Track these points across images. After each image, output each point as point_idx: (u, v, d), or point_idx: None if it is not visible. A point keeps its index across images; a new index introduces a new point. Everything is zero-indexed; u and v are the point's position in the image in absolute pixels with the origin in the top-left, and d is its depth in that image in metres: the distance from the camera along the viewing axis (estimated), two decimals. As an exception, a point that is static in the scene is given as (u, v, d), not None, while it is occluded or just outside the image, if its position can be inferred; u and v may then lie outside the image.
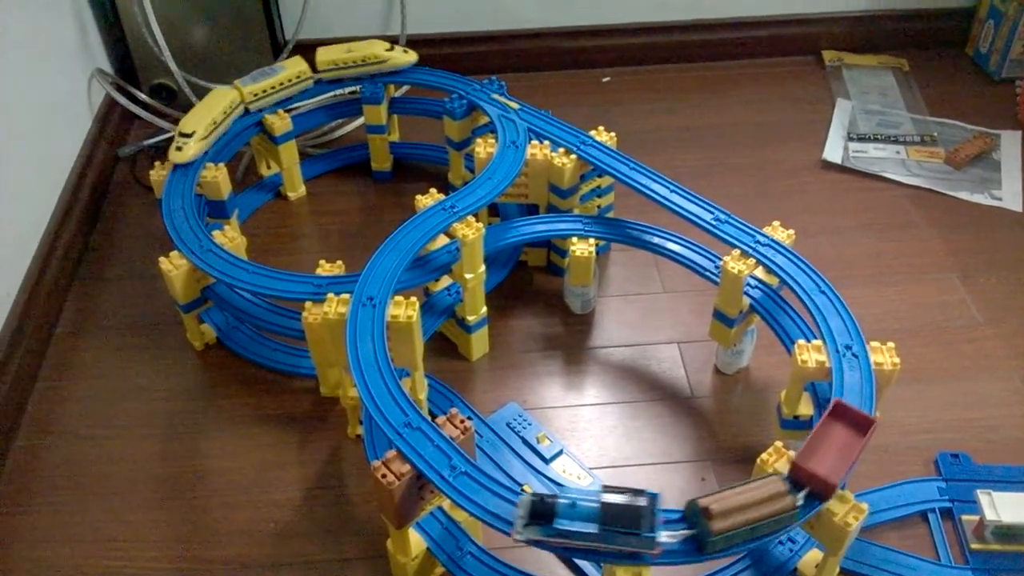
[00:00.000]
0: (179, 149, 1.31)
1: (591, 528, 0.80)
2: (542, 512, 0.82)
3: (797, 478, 0.84)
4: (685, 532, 0.82)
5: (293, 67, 1.46)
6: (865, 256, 1.44)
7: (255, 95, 1.43)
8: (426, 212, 1.18)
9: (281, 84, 1.45)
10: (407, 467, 0.88)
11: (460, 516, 0.99)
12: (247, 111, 1.44)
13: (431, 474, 0.87)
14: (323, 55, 1.48)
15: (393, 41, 1.76)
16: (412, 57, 1.49)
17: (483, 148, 1.31)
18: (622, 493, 0.82)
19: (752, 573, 0.96)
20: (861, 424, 0.87)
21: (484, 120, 1.46)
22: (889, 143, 1.67)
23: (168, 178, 1.31)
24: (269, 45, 1.70)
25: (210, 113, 1.37)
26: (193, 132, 1.32)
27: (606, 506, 0.81)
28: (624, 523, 0.80)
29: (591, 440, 1.19)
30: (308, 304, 1.10)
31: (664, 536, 0.80)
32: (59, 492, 1.14)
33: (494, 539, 0.96)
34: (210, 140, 1.35)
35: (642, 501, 0.81)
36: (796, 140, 1.69)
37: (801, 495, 0.83)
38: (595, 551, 0.80)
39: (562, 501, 0.82)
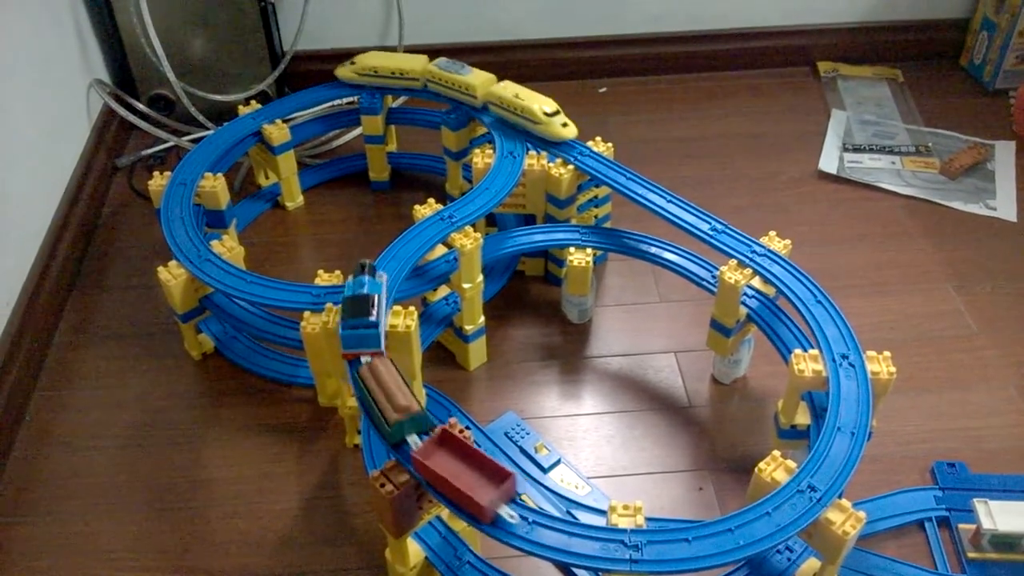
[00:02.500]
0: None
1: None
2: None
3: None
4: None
5: (475, 80, 1.42)
6: (861, 266, 1.45)
7: (434, 77, 1.46)
8: (424, 222, 1.18)
9: (455, 87, 1.44)
10: (405, 476, 0.88)
11: (458, 525, 0.99)
12: (431, 80, 1.47)
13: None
14: (497, 88, 1.40)
15: (391, 50, 1.78)
16: (570, 132, 1.33)
17: (481, 158, 1.32)
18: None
19: (750, 582, 0.97)
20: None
21: (482, 130, 1.47)
22: (884, 153, 1.68)
23: (166, 188, 1.31)
24: (267, 55, 1.71)
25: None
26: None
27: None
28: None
29: (589, 449, 1.19)
30: (306, 314, 1.11)
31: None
32: (57, 502, 1.14)
33: (492, 548, 0.96)
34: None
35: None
36: (792, 151, 1.70)
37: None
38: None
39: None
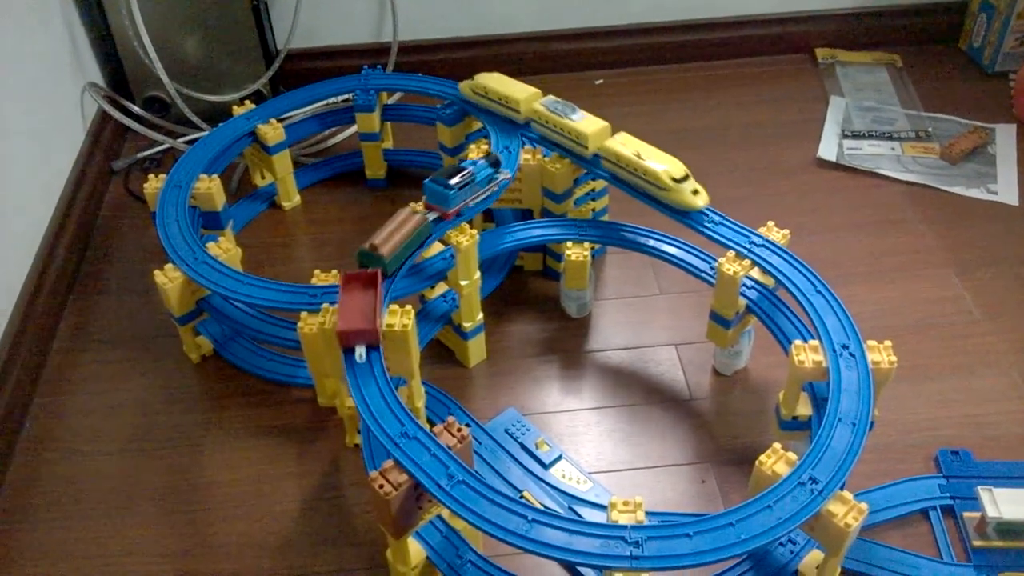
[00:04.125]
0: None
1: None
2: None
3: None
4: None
5: (585, 128, 1.25)
6: (862, 254, 1.44)
7: (539, 119, 1.31)
8: (420, 220, 1.17)
9: (561, 132, 1.28)
10: (404, 477, 0.88)
11: (459, 525, 0.99)
12: (535, 121, 1.33)
13: (428, 484, 0.87)
14: (614, 143, 1.23)
15: (385, 49, 1.77)
16: (702, 202, 1.17)
17: (476, 154, 1.31)
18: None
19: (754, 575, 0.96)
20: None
21: (477, 125, 1.46)
22: (884, 139, 1.67)
23: (161, 190, 1.30)
24: (261, 55, 1.70)
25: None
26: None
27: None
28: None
29: (590, 444, 1.18)
30: (304, 314, 1.10)
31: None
32: (58, 508, 1.13)
33: (494, 547, 0.95)
34: None
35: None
36: (790, 139, 1.69)
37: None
38: None
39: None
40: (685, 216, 1.18)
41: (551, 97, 1.32)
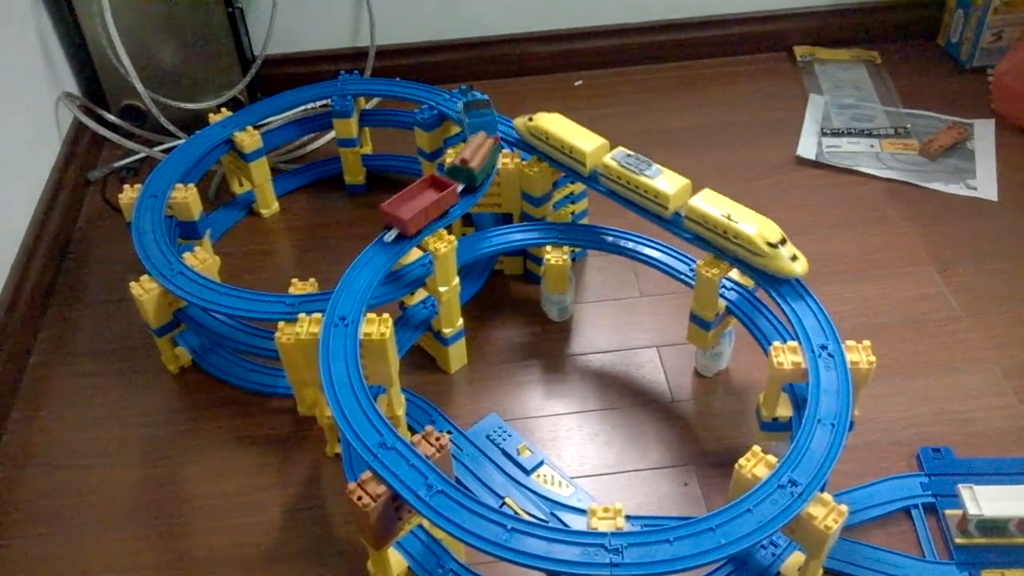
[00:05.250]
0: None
1: None
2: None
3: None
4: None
5: (665, 187, 1.15)
6: (842, 252, 1.44)
7: (610, 174, 1.20)
8: (397, 226, 1.17)
9: (636, 189, 1.18)
10: (383, 488, 0.87)
11: (440, 534, 0.98)
12: (604, 175, 1.22)
13: (407, 494, 0.87)
14: (698, 204, 1.12)
15: (362, 53, 1.76)
16: (801, 268, 1.07)
17: (454, 158, 1.30)
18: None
19: (736, 578, 0.96)
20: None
21: (455, 130, 1.45)
22: (863, 137, 1.67)
23: (138, 201, 1.29)
24: (237, 61, 1.69)
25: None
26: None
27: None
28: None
29: (573, 449, 1.18)
30: (281, 324, 1.09)
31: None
32: (37, 524, 1.12)
33: (476, 556, 0.95)
34: None
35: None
36: (770, 137, 1.69)
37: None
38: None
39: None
40: (780, 284, 1.07)
41: (622, 150, 1.21)
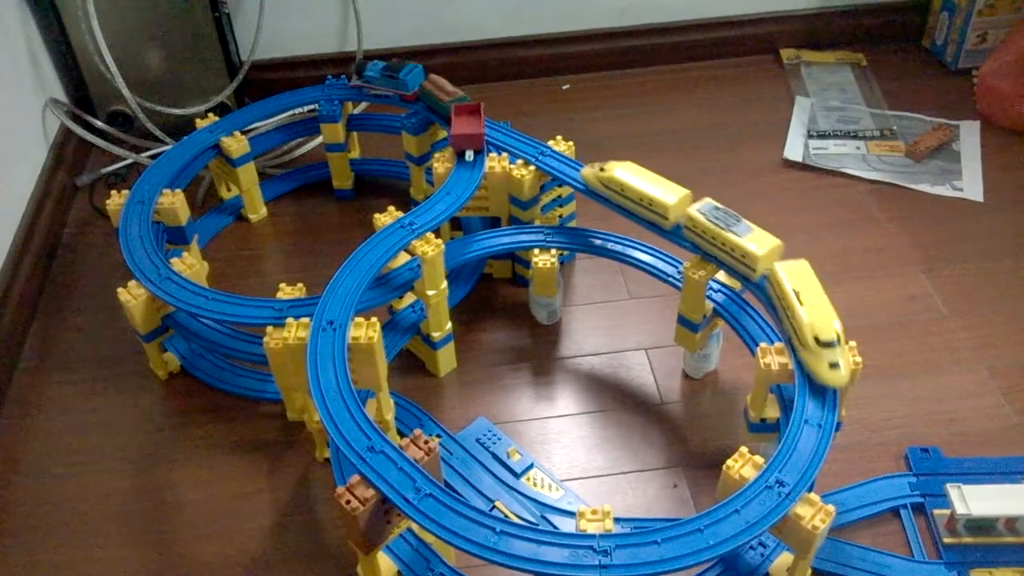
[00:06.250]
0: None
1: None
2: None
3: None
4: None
5: (756, 248, 1.06)
6: (829, 254, 1.44)
7: (695, 228, 1.12)
8: (385, 231, 1.17)
9: (722, 247, 1.10)
10: (371, 492, 0.87)
11: (430, 537, 0.98)
12: (688, 228, 1.14)
13: (395, 498, 0.87)
14: (779, 273, 1.03)
15: (350, 58, 1.76)
16: (838, 380, 0.96)
17: (441, 163, 1.30)
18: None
19: (725, 579, 0.96)
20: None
21: (442, 134, 1.45)
22: (849, 139, 1.67)
23: (125, 206, 1.29)
24: (224, 67, 1.69)
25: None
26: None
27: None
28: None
29: (562, 452, 1.18)
30: (269, 329, 1.09)
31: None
32: (26, 532, 1.12)
33: (466, 560, 0.94)
34: None
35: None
36: (757, 140, 1.69)
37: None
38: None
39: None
40: (820, 395, 0.97)
41: (709, 202, 1.12)
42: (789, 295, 1.00)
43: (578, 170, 1.27)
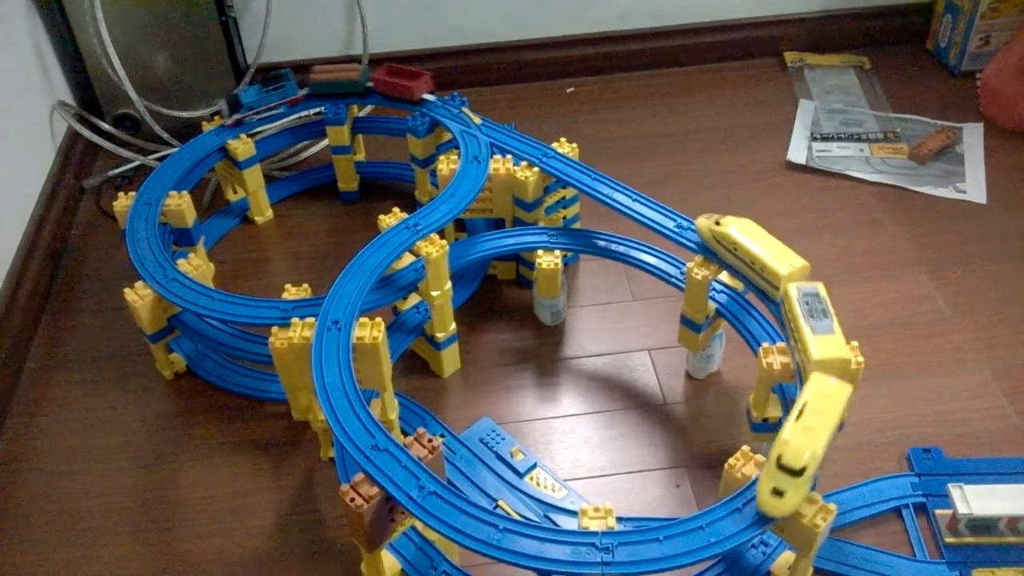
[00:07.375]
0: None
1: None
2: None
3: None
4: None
5: (821, 346, 0.96)
6: (833, 256, 1.45)
7: (787, 301, 1.03)
8: (389, 232, 1.18)
9: (792, 332, 1.02)
10: (376, 490, 0.88)
11: (433, 536, 0.99)
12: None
13: (400, 495, 0.87)
14: (814, 381, 0.92)
15: (355, 61, 1.77)
16: (774, 511, 0.85)
17: (446, 165, 1.31)
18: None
19: (727, 578, 0.97)
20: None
21: (448, 136, 1.46)
22: (853, 141, 1.68)
23: (132, 208, 1.30)
24: (231, 70, 1.70)
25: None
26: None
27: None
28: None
29: (566, 452, 1.19)
30: (275, 329, 1.10)
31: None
32: (32, 529, 1.13)
33: (470, 558, 0.95)
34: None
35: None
36: (760, 143, 1.70)
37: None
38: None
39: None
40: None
41: (812, 287, 1.03)
42: (803, 402, 0.90)
43: (582, 171, 1.28)
